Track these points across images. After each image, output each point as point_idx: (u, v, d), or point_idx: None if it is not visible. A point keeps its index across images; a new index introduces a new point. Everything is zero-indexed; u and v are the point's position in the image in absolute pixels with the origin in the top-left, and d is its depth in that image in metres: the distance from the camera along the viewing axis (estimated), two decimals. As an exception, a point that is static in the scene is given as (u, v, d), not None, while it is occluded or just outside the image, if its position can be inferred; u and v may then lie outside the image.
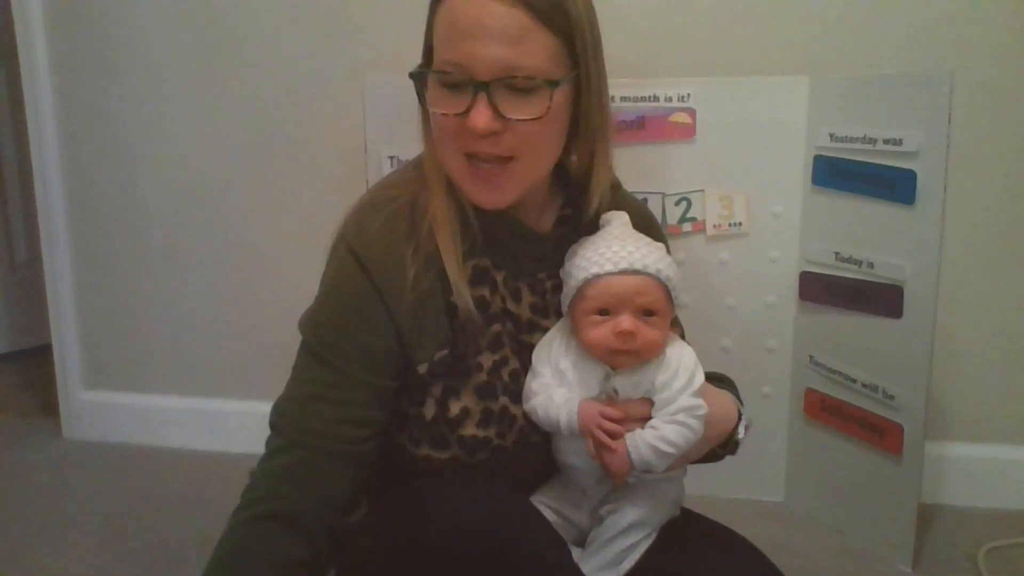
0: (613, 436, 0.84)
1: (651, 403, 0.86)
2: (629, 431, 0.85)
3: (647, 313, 0.85)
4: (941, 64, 1.47)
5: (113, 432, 1.92)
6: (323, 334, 0.87)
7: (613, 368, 0.87)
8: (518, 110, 0.82)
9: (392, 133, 1.47)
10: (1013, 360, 1.60)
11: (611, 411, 0.85)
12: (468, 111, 0.81)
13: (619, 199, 1.00)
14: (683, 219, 1.54)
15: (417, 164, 0.94)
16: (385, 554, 0.81)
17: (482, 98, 0.81)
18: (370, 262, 0.86)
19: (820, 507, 1.55)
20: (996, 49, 1.51)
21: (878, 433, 1.41)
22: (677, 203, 1.53)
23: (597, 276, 0.86)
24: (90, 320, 1.93)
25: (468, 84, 0.81)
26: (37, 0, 1.79)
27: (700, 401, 0.86)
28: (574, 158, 0.94)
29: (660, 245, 0.91)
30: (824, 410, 1.51)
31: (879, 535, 1.43)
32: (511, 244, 0.93)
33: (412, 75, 0.86)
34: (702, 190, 1.53)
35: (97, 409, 1.94)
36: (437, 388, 0.88)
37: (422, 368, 0.87)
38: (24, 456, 1.85)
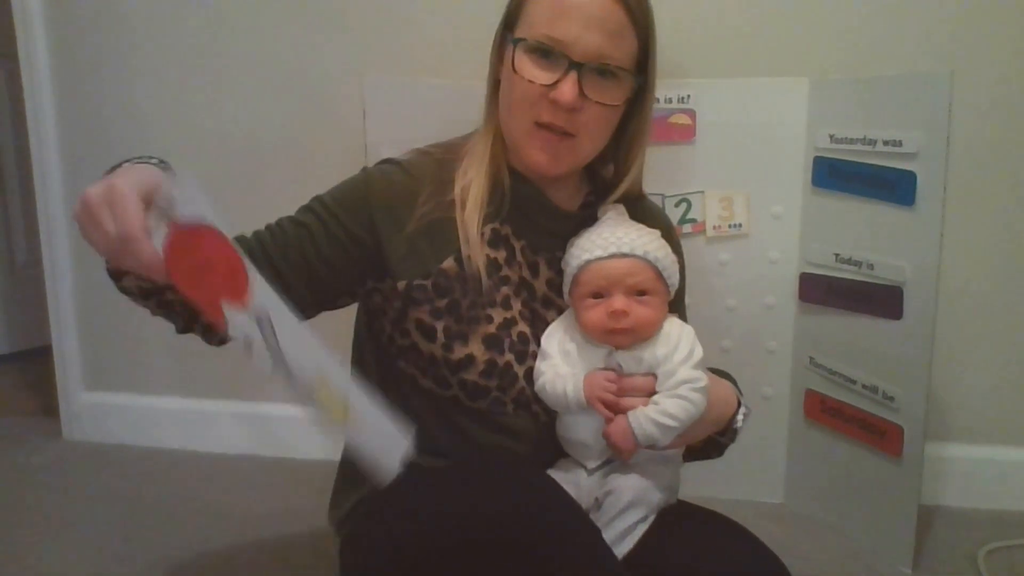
0: (615, 406, 0.88)
1: (655, 378, 0.90)
2: (632, 407, 0.88)
3: (639, 293, 0.90)
4: (941, 65, 1.47)
5: (113, 433, 1.92)
6: (314, 201, 0.99)
7: (615, 348, 0.91)
8: (600, 94, 0.91)
9: (392, 133, 1.47)
10: (1013, 361, 1.60)
11: (614, 378, 0.89)
12: (556, 84, 0.89)
13: (643, 209, 1.06)
14: (683, 220, 1.54)
15: (467, 136, 1.02)
16: (397, 546, 0.81)
17: (573, 75, 0.89)
18: (377, 188, 0.97)
19: (820, 508, 1.55)
20: (996, 49, 1.51)
21: (878, 434, 1.41)
22: (677, 204, 1.53)
23: (588, 262, 0.92)
24: (90, 321, 1.93)
25: (562, 60, 0.89)
26: (37, 0, 1.79)
27: (700, 374, 0.89)
28: (610, 166, 1.03)
29: (654, 231, 0.96)
30: (824, 411, 1.51)
31: (879, 536, 1.43)
32: (536, 217, 0.99)
33: (512, 41, 0.93)
34: (702, 191, 1.53)
35: (97, 410, 1.94)
36: (440, 331, 0.94)
37: (400, 284, 0.95)
38: (24, 457, 1.85)
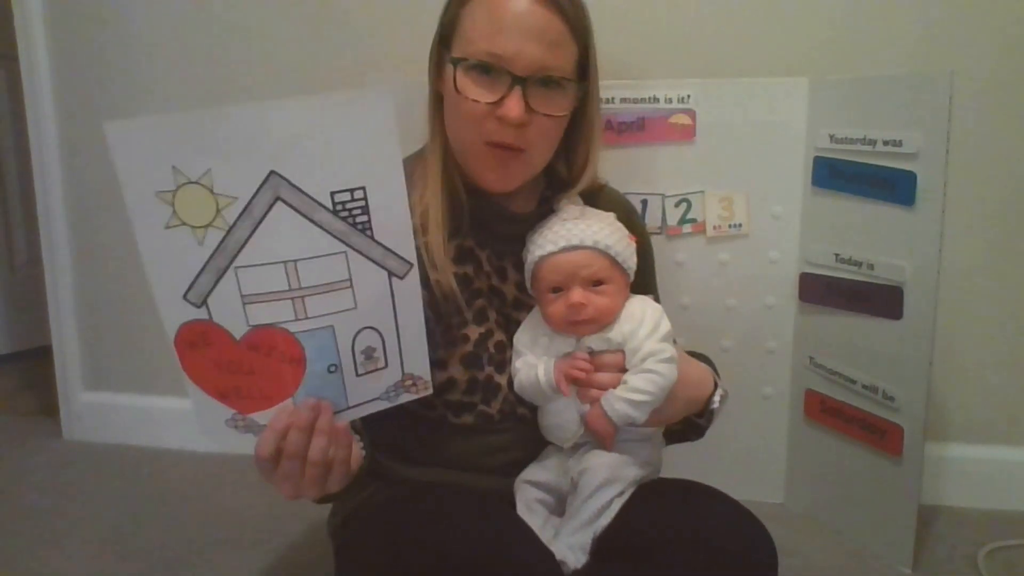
0: (590, 383, 0.89)
1: (623, 354, 0.91)
2: (603, 383, 0.90)
3: (596, 283, 0.92)
4: (941, 64, 1.47)
5: (113, 433, 1.92)
6: None
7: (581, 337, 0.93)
8: (546, 106, 0.90)
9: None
10: (1013, 361, 1.60)
11: (587, 358, 0.91)
12: (502, 100, 0.88)
13: (605, 196, 1.06)
14: (683, 220, 1.53)
15: (419, 155, 0.99)
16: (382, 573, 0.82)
17: (517, 91, 0.88)
18: None
19: (820, 508, 1.55)
20: (996, 49, 1.50)
21: (878, 434, 1.41)
22: (677, 204, 1.53)
23: (542, 257, 0.93)
24: (90, 321, 1.93)
25: (504, 76, 0.88)
26: (37, 0, 1.79)
27: (666, 345, 0.90)
28: (560, 163, 1.02)
29: (606, 217, 0.96)
30: (824, 411, 1.51)
31: (879, 536, 1.43)
32: (495, 225, 0.99)
33: (452, 61, 0.91)
34: (702, 191, 1.53)
35: (97, 410, 1.94)
36: None
37: None
38: (24, 457, 1.85)
